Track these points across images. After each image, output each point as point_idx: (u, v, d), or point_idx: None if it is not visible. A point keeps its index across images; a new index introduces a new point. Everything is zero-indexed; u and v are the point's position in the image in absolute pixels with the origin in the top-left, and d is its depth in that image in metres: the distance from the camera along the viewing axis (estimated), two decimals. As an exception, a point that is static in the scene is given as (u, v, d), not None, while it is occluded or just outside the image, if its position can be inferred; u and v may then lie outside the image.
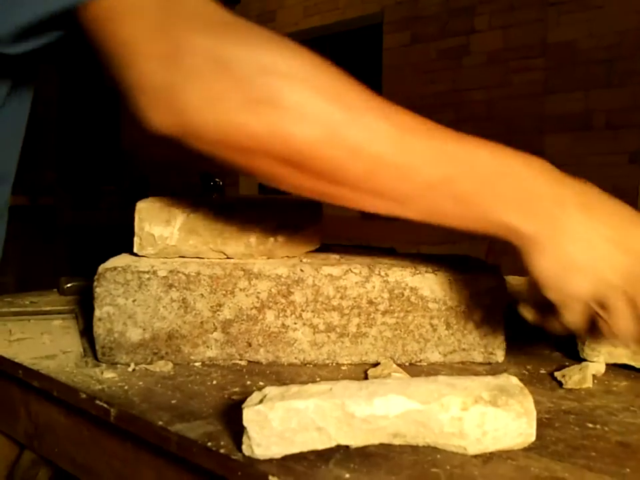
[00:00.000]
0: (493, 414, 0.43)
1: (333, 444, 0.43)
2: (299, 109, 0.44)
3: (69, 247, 4.05)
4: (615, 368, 0.67)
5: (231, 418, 0.50)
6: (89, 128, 5.93)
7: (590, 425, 0.51)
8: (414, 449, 0.45)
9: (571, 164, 3.35)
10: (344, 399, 0.43)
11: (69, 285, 1.03)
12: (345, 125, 0.44)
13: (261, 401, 0.43)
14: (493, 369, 0.67)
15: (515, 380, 0.47)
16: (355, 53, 5.05)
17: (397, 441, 0.44)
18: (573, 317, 0.50)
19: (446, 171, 0.47)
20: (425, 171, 0.47)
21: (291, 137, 0.44)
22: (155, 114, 0.45)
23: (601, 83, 3.25)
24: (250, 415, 0.42)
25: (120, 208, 4.28)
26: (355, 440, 0.43)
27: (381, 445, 0.44)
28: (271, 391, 0.44)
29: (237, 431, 0.47)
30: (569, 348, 0.73)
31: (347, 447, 0.44)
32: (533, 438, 0.45)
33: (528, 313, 0.55)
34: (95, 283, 0.64)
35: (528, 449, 0.45)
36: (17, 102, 0.59)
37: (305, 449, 0.43)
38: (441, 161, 0.47)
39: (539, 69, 3.49)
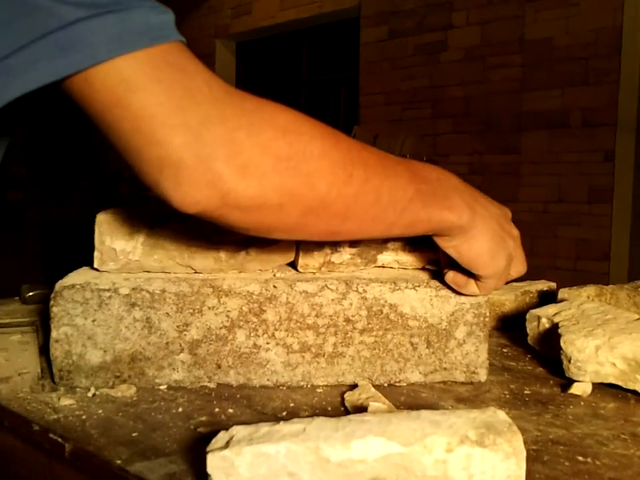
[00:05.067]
0: (480, 455, 0.40)
1: (306, 490, 0.39)
2: (325, 161, 0.48)
3: (38, 243, 3.95)
4: (601, 387, 0.64)
5: (197, 455, 0.46)
6: (60, 120, 5.79)
7: (580, 459, 0.48)
8: (394, 492, 0.41)
9: (547, 161, 3.36)
10: (318, 441, 0.39)
11: (30, 294, 0.98)
12: (354, 167, 0.50)
13: (227, 444, 0.39)
14: (476, 389, 0.64)
15: (502, 415, 0.44)
16: (331, 47, 5.01)
17: (376, 485, 0.41)
18: (497, 284, 0.62)
19: (416, 186, 0.54)
20: (407, 188, 0.54)
21: (321, 186, 0.48)
22: (189, 188, 0.43)
23: (578, 81, 3.25)
24: (215, 461, 0.38)
25: (92, 204, 4.19)
26: (330, 485, 0.40)
27: (359, 488, 0.41)
28: (238, 431, 0.41)
29: (202, 471, 0.43)
30: (553, 364, 0.70)
31: (322, 492, 0.40)
32: (523, 479, 0.42)
33: (458, 280, 0.63)
34: (52, 302, 0.59)
35: (516, 491, 0.42)
36: None
37: (275, 496, 0.39)
38: (412, 178, 0.55)
39: (517, 66, 3.48)
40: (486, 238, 0.58)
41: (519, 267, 0.63)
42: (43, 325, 0.83)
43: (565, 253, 3.28)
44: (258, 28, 5.11)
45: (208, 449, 0.39)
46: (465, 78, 3.69)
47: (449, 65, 3.77)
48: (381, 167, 0.53)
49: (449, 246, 0.59)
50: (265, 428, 0.41)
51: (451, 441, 0.40)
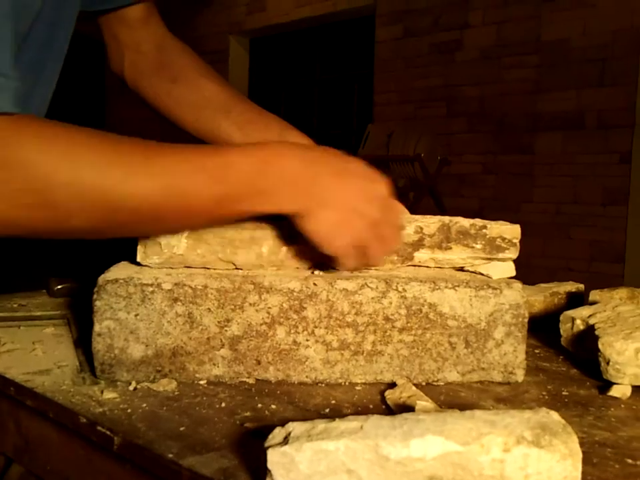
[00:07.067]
0: (537, 455, 0.40)
1: (363, 487, 0.40)
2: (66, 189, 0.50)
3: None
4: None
5: (247, 450, 0.46)
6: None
7: (630, 461, 0.48)
8: (449, 490, 0.41)
9: (562, 162, 3.35)
10: (377, 439, 0.39)
11: (59, 287, 0.98)
12: (112, 190, 0.51)
13: (285, 439, 0.40)
14: (513, 389, 0.64)
15: (555, 416, 0.44)
16: (345, 45, 5.00)
17: (432, 484, 0.41)
18: (348, 261, 0.62)
19: (221, 189, 0.55)
20: (201, 202, 0.55)
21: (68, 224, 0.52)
22: None
23: (594, 82, 3.24)
24: (275, 457, 0.38)
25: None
26: (387, 483, 0.40)
27: (414, 487, 0.41)
28: (294, 427, 0.41)
29: (254, 466, 0.44)
30: (587, 366, 0.70)
31: (378, 489, 0.40)
32: (579, 481, 0.42)
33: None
34: (95, 296, 0.60)
35: (571, 492, 0.42)
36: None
37: (333, 492, 0.39)
38: (208, 185, 0.55)
39: (532, 67, 3.47)
40: (325, 221, 0.59)
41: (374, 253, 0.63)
42: (74, 319, 0.83)
43: (578, 254, 3.27)
44: (272, 25, 5.11)
45: (266, 444, 0.40)
46: (479, 77, 3.68)
47: (464, 64, 3.76)
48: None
49: (295, 224, 0.60)
50: (321, 425, 0.41)
51: (507, 440, 0.40)
